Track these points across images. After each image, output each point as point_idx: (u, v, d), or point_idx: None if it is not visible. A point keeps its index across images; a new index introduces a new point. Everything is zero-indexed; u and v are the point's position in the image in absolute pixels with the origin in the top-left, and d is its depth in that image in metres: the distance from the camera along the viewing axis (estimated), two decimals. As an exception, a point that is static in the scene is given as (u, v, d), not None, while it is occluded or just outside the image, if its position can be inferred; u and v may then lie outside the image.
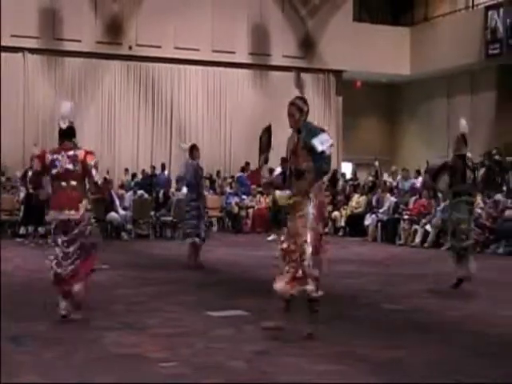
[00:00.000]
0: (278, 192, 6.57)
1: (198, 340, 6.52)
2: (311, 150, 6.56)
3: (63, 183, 7.46)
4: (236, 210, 22.10)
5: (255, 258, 14.11)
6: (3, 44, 22.10)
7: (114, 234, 19.25)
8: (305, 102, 6.86)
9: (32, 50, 23.49)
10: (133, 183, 22.71)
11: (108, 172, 23.37)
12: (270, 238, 18.61)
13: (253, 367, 5.62)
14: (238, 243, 18.11)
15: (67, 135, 7.61)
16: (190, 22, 24.52)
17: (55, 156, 7.49)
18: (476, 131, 26.07)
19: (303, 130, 6.68)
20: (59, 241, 7.39)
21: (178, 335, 6.75)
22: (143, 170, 23.69)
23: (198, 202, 12.76)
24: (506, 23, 23.41)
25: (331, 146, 6.67)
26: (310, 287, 6.64)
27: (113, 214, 18.91)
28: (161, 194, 20.36)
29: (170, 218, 19.43)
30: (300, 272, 6.59)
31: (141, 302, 8.73)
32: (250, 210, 22.18)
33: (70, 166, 7.47)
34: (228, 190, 22.18)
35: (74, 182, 7.49)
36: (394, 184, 21.07)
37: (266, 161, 7.00)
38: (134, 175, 23.63)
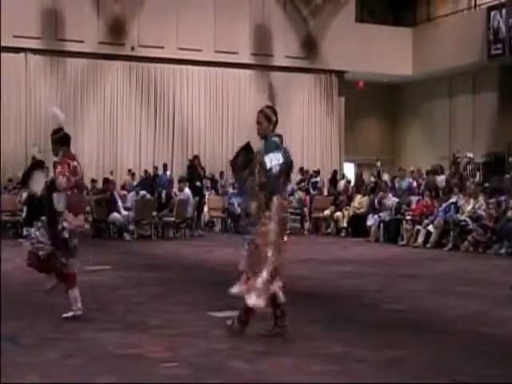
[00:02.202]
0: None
1: (199, 340, 6.52)
2: (263, 165, 6.60)
3: (77, 191, 7.59)
4: (238, 210, 22.07)
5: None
6: (5, 44, 22.12)
7: (116, 235, 19.27)
8: (274, 111, 6.85)
9: (34, 51, 23.53)
10: (135, 183, 22.73)
11: (112, 173, 23.43)
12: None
13: (253, 367, 5.63)
14: (238, 243, 18.05)
15: (70, 143, 7.71)
16: (193, 23, 24.55)
17: (75, 163, 7.57)
18: (478, 131, 26.15)
19: (266, 143, 6.72)
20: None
21: (179, 335, 6.76)
22: (146, 171, 23.71)
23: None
24: (508, 23, 23.40)
25: (279, 165, 6.62)
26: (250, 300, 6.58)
27: (115, 215, 18.92)
28: (163, 195, 20.35)
29: (172, 219, 19.43)
30: (252, 281, 6.58)
31: (142, 302, 8.74)
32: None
33: (81, 175, 7.69)
34: (230, 190, 22.18)
35: (81, 192, 7.76)
36: (390, 184, 21.06)
37: (252, 173, 6.97)
38: (133, 175, 23.66)
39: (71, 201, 7.48)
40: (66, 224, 7.43)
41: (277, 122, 6.83)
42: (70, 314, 7.42)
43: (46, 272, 7.57)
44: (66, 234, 7.41)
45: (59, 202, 7.39)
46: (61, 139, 7.66)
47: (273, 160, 6.60)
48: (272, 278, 6.62)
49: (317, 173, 24.56)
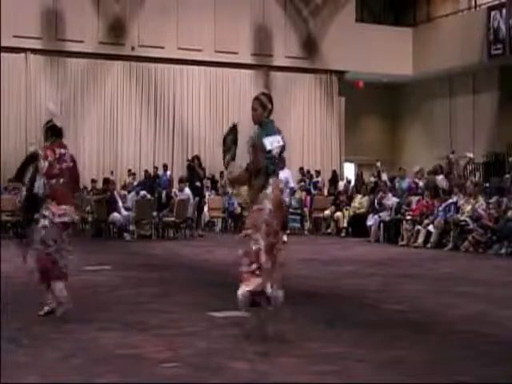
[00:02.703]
0: (243, 188, 6.59)
1: (199, 340, 6.52)
2: (262, 147, 6.60)
3: (67, 180, 7.55)
4: (238, 210, 22.09)
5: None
6: (5, 44, 22.13)
7: (117, 235, 19.28)
8: (269, 98, 6.86)
9: (34, 51, 23.57)
10: (135, 184, 22.74)
11: (112, 173, 23.44)
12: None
13: (253, 367, 5.62)
14: (239, 243, 18.04)
15: (61, 134, 7.76)
16: (193, 23, 24.58)
17: (63, 151, 7.59)
18: (478, 131, 26.17)
19: (261, 127, 6.73)
20: (63, 236, 7.50)
21: (179, 335, 6.75)
22: (146, 171, 23.72)
23: None
24: (508, 23, 23.42)
25: (280, 147, 6.65)
26: (264, 283, 6.50)
27: (115, 215, 18.94)
28: (163, 195, 20.37)
29: (172, 219, 19.43)
30: (255, 267, 6.51)
31: (142, 302, 8.74)
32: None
33: (72, 165, 7.66)
34: (230, 190, 22.17)
35: (70, 182, 7.62)
36: (390, 184, 21.05)
37: (233, 158, 6.99)
38: (134, 175, 23.68)
39: (55, 188, 7.46)
40: (46, 212, 7.44)
41: (272, 109, 6.82)
42: (61, 309, 7.45)
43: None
44: (45, 222, 7.40)
45: (39, 187, 7.41)
46: (49, 129, 7.73)
47: (273, 142, 6.61)
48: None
49: (318, 172, 24.60)
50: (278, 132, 6.76)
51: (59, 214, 7.46)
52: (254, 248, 6.50)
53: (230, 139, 7.06)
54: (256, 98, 6.86)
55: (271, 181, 6.65)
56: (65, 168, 7.56)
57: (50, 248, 7.46)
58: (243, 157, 6.94)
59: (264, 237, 6.51)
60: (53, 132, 7.72)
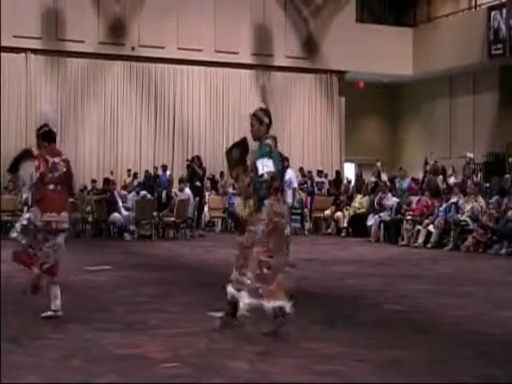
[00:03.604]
0: (238, 199, 6.71)
1: (199, 340, 6.52)
2: (255, 168, 6.68)
3: (58, 187, 7.57)
4: (239, 210, 22.09)
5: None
6: (6, 44, 22.13)
7: (117, 235, 19.28)
8: (267, 113, 6.91)
9: (35, 51, 23.56)
10: (135, 184, 22.74)
11: (112, 173, 23.44)
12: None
13: (254, 368, 5.63)
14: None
15: (54, 139, 7.77)
16: (193, 23, 24.57)
17: (56, 159, 7.58)
18: (478, 132, 26.16)
19: (259, 146, 6.79)
20: (50, 243, 7.51)
21: (180, 336, 6.76)
22: (146, 171, 23.72)
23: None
24: (508, 24, 23.41)
25: (269, 173, 6.66)
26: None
27: (115, 215, 18.94)
28: (163, 195, 20.37)
29: (172, 219, 19.43)
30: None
31: (142, 302, 8.74)
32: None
33: (65, 170, 7.65)
34: (231, 190, 22.19)
35: (64, 186, 7.66)
36: (390, 184, 21.06)
37: (237, 178, 7.09)
38: (135, 175, 23.69)
39: (43, 195, 7.49)
40: (31, 215, 7.51)
41: (270, 123, 6.88)
42: (49, 313, 7.47)
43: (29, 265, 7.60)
44: (26, 223, 7.47)
45: (23, 194, 7.49)
46: (42, 135, 7.72)
47: (265, 167, 6.64)
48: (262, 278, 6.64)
49: (320, 172, 24.61)
50: (270, 155, 6.73)
51: (45, 221, 7.49)
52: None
53: (236, 155, 7.08)
54: (253, 114, 6.93)
55: (266, 203, 6.72)
56: (56, 177, 7.56)
57: (25, 246, 7.52)
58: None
59: (256, 258, 6.66)
60: (46, 138, 7.72)
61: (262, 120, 6.86)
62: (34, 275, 7.57)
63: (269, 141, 6.84)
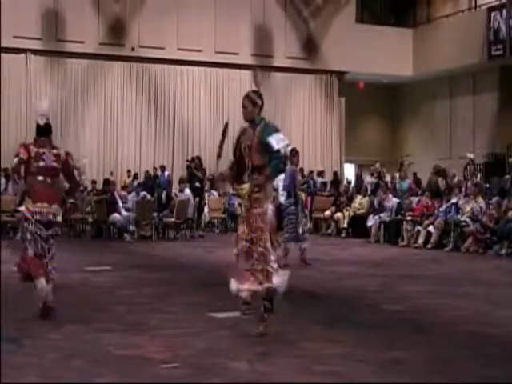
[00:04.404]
0: (244, 185, 6.72)
1: (199, 341, 6.52)
2: (267, 147, 6.69)
3: (48, 179, 7.56)
4: (239, 211, 22.06)
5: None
6: (6, 45, 22.13)
7: (117, 235, 19.28)
8: (259, 95, 6.99)
9: (35, 52, 23.58)
10: (135, 184, 22.74)
11: (112, 173, 23.45)
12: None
13: (253, 368, 5.63)
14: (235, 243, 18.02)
15: (46, 132, 7.78)
16: (193, 24, 24.58)
17: (41, 150, 7.58)
18: (478, 132, 26.16)
19: (259, 126, 6.85)
20: (40, 233, 7.47)
21: (179, 336, 6.76)
22: (146, 171, 23.73)
23: (296, 206, 12.77)
24: (508, 24, 23.40)
25: (287, 145, 6.84)
26: (275, 284, 6.63)
27: (115, 216, 18.93)
28: (163, 196, 20.37)
29: (172, 219, 19.43)
30: (266, 268, 6.61)
31: (142, 302, 8.74)
32: (253, 211, 22.14)
33: (55, 164, 7.61)
34: (230, 191, 22.15)
35: (55, 180, 7.63)
36: (390, 185, 21.05)
37: (219, 155, 7.33)
38: (135, 176, 23.69)
39: (31, 186, 7.52)
40: (21, 207, 7.57)
41: (262, 105, 6.96)
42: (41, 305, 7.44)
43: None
44: (18, 215, 7.55)
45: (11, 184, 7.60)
46: (36, 130, 7.84)
47: (279, 141, 6.68)
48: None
49: (322, 173, 24.64)
50: (277, 130, 6.87)
51: (33, 212, 7.47)
52: (262, 249, 6.62)
53: (222, 139, 7.29)
54: (246, 96, 7.04)
55: (271, 183, 6.80)
56: (42, 167, 7.52)
57: (27, 243, 7.50)
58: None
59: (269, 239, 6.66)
60: (37, 131, 7.79)
61: (255, 101, 6.93)
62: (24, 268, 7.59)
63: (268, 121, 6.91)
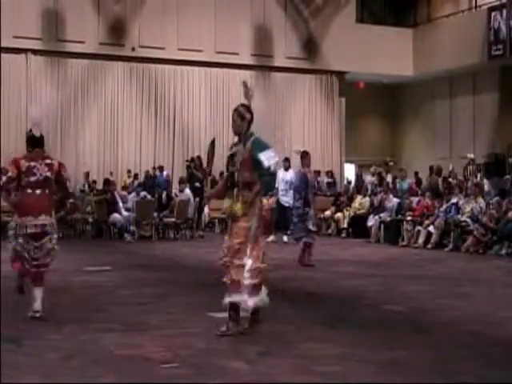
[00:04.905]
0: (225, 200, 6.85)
1: (199, 341, 6.53)
2: (258, 164, 6.79)
3: (38, 191, 7.53)
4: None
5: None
6: (6, 45, 22.12)
7: (117, 236, 19.27)
8: (248, 109, 7.09)
9: (35, 52, 23.56)
10: (135, 184, 22.74)
11: (112, 173, 23.45)
12: (269, 239, 18.66)
13: (253, 368, 5.63)
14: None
15: (40, 143, 7.76)
16: (193, 24, 24.57)
17: (32, 163, 7.54)
18: (478, 132, 26.16)
19: (249, 142, 6.93)
20: (29, 246, 7.50)
21: (179, 336, 6.76)
22: (147, 171, 23.73)
23: (307, 207, 12.86)
24: (509, 24, 23.39)
25: (276, 163, 6.93)
26: (243, 297, 6.74)
27: (116, 216, 18.93)
28: (163, 196, 20.36)
29: (172, 220, 19.43)
30: (239, 280, 6.72)
31: (142, 303, 8.75)
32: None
33: (49, 174, 7.58)
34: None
35: (47, 190, 7.60)
36: (391, 185, 21.06)
37: (210, 173, 7.52)
38: (135, 176, 23.68)
39: (21, 200, 7.54)
40: (12, 223, 7.66)
41: (252, 119, 7.05)
42: (30, 314, 7.47)
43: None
44: (10, 231, 7.60)
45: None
46: (26, 140, 7.81)
47: (270, 159, 6.76)
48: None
49: (329, 173, 24.66)
50: (267, 147, 6.97)
51: (19, 225, 7.51)
52: (239, 262, 6.76)
53: (210, 155, 7.45)
54: (235, 110, 7.14)
55: (262, 198, 6.95)
56: (33, 181, 7.50)
57: (18, 251, 7.56)
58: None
59: (252, 255, 6.77)
60: (30, 142, 7.75)
61: (244, 116, 7.03)
62: (19, 275, 7.70)
63: (258, 136, 6.98)
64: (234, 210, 6.92)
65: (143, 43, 24.38)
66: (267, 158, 6.78)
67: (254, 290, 6.72)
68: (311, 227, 13.03)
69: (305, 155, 13.23)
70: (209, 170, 7.70)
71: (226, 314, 6.90)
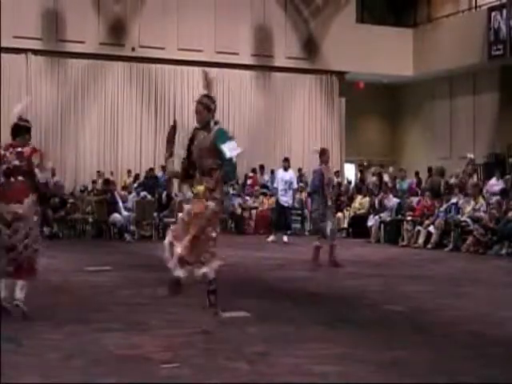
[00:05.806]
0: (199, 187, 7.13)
1: (200, 341, 6.53)
2: (220, 154, 7.00)
3: (11, 179, 7.64)
4: (239, 211, 22.12)
5: (257, 260, 14.09)
6: (6, 45, 22.11)
7: (117, 236, 19.28)
8: (212, 100, 7.28)
9: (35, 52, 23.54)
10: (136, 184, 22.73)
11: (112, 173, 23.45)
12: (269, 239, 18.69)
13: (254, 368, 5.62)
14: (240, 244, 18.06)
15: (16, 133, 7.86)
16: (193, 24, 24.55)
17: (3, 152, 7.72)
18: (478, 132, 26.15)
19: (213, 131, 7.15)
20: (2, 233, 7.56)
21: (180, 336, 6.76)
22: (147, 171, 23.71)
23: (325, 205, 12.83)
24: (509, 24, 23.37)
25: (237, 155, 7.09)
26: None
27: (116, 216, 18.94)
28: (164, 196, 20.36)
29: (173, 219, 19.40)
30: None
31: (142, 302, 8.75)
32: (253, 212, 22.20)
33: (17, 162, 7.65)
34: (231, 191, 22.18)
35: (20, 178, 7.65)
36: (391, 185, 21.06)
37: (171, 154, 7.66)
38: (136, 176, 23.67)
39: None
40: None
41: (215, 109, 7.25)
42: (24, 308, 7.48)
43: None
44: None
45: None
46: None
47: (232, 150, 6.90)
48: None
49: (337, 173, 24.68)
50: (232, 137, 7.22)
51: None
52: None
53: (171, 137, 7.72)
54: (199, 102, 7.30)
55: (220, 186, 7.17)
56: (5, 170, 7.61)
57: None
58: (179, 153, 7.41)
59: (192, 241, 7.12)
60: (12, 132, 7.90)
61: (209, 107, 7.24)
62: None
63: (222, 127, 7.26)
64: (197, 189, 7.11)
65: (143, 43, 24.37)
66: (229, 149, 6.97)
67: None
68: (327, 233, 12.90)
69: (323, 152, 13.16)
70: (170, 153, 7.74)
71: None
